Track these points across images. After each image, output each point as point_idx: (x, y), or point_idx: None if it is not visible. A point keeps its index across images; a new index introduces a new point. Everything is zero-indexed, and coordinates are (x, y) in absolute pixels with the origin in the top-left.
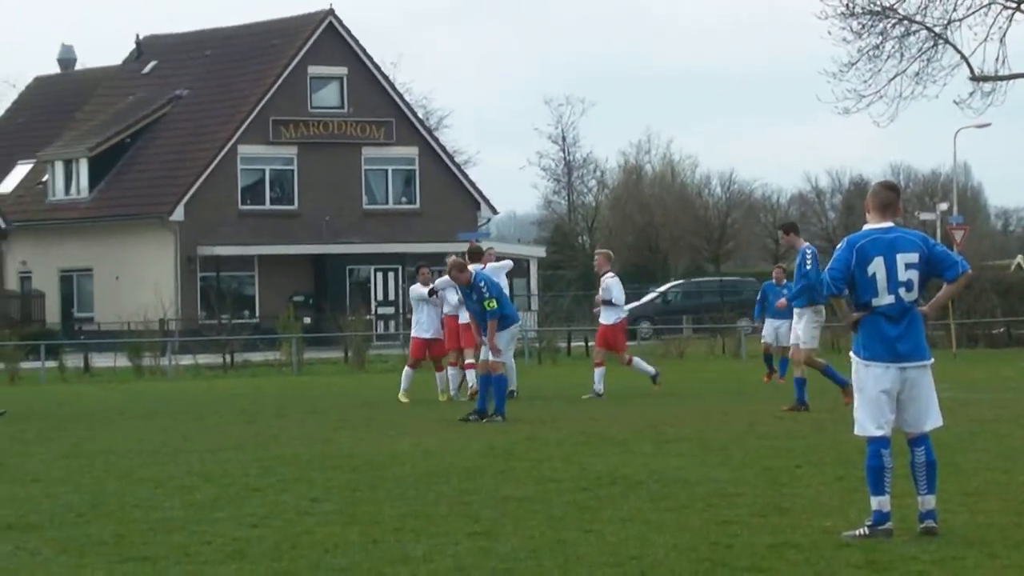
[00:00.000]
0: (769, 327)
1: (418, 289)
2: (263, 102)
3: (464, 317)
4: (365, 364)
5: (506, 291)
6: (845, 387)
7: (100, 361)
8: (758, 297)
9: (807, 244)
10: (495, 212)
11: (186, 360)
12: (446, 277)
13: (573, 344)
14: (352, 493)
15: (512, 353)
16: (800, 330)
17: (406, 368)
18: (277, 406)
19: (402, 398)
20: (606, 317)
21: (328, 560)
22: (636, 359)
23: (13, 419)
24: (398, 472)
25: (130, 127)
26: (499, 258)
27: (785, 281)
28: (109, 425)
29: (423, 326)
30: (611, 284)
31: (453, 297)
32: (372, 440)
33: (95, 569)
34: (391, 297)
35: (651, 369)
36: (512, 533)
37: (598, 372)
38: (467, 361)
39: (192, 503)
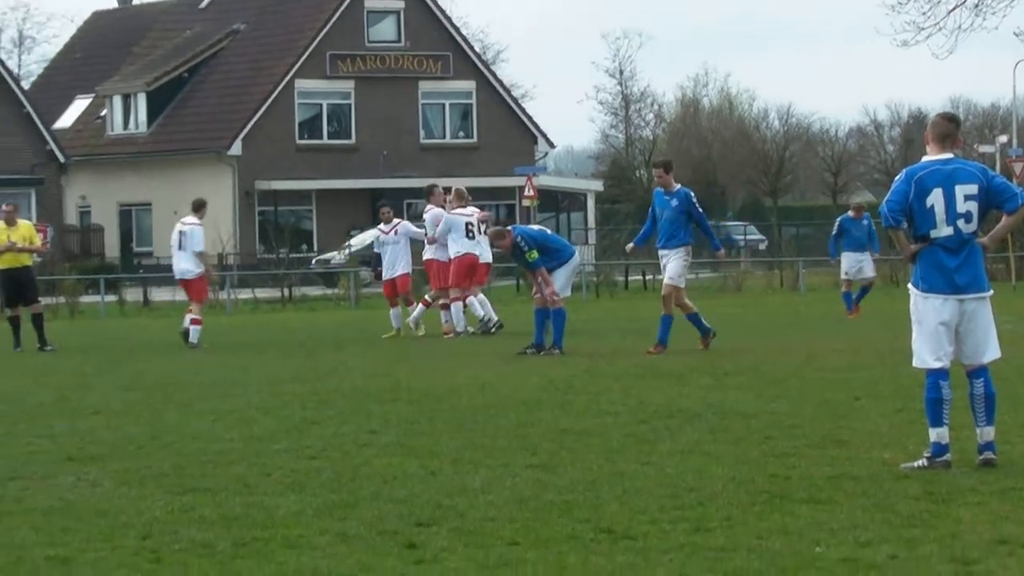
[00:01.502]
0: (850, 260)
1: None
2: (320, 36)
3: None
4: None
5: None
6: (706, 336)
7: (159, 295)
8: (834, 231)
9: (681, 186)
10: (552, 146)
11: (245, 294)
12: (442, 222)
13: (630, 278)
14: (410, 425)
15: (571, 287)
16: (671, 267)
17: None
18: (335, 340)
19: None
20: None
21: (387, 491)
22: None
23: (74, 352)
24: (456, 404)
25: (188, 61)
26: (460, 199)
27: (865, 214)
28: (168, 358)
29: (389, 268)
30: None
31: (459, 243)
32: (430, 373)
33: (155, 500)
34: None
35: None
36: (570, 465)
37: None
38: (442, 300)
39: (251, 435)
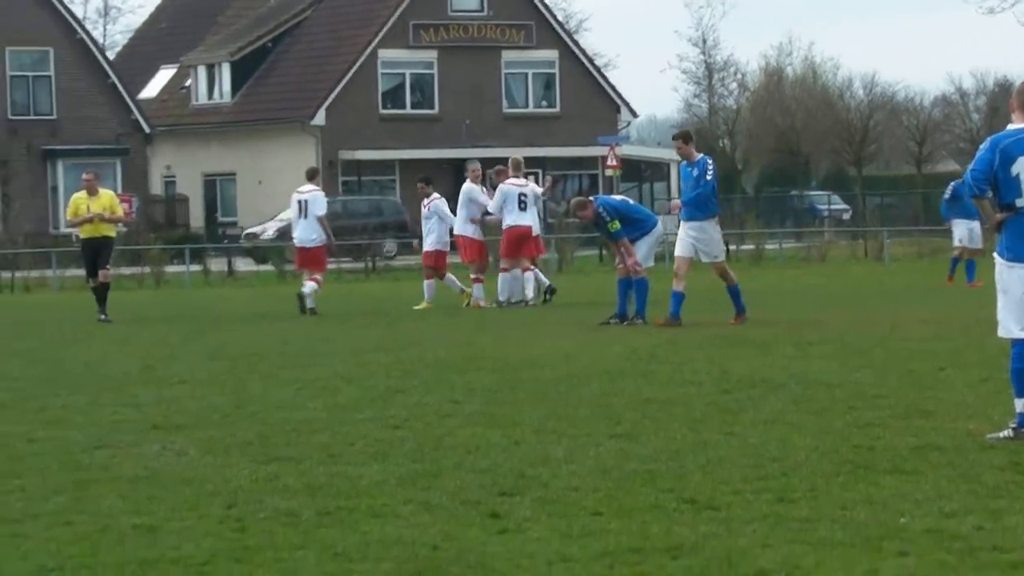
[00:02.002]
0: (962, 228)
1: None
2: (403, 6)
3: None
4: None
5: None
6: (740, 314)
7: (243, 265)
8: (946, 196)
9: (704, 155)
10: (635, 115)
11: (328, 265)
12: (497, 193)
13: None
14: (493, 395)
15: (653, 257)
16: (707, 244)
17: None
18: (419, 310)
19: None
20: None
21: (470, 461)
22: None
23: (158, 322)
24: (539, 375)
25: (271, 31)
26: (516, 169)
27: None
28: (253, 328)
29: (425, 241)
30: None
31: (511, 214)
32: (513, 343)
33: (240, 468)
34: None
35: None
36: (653, 435)
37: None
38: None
39: (335, 404)
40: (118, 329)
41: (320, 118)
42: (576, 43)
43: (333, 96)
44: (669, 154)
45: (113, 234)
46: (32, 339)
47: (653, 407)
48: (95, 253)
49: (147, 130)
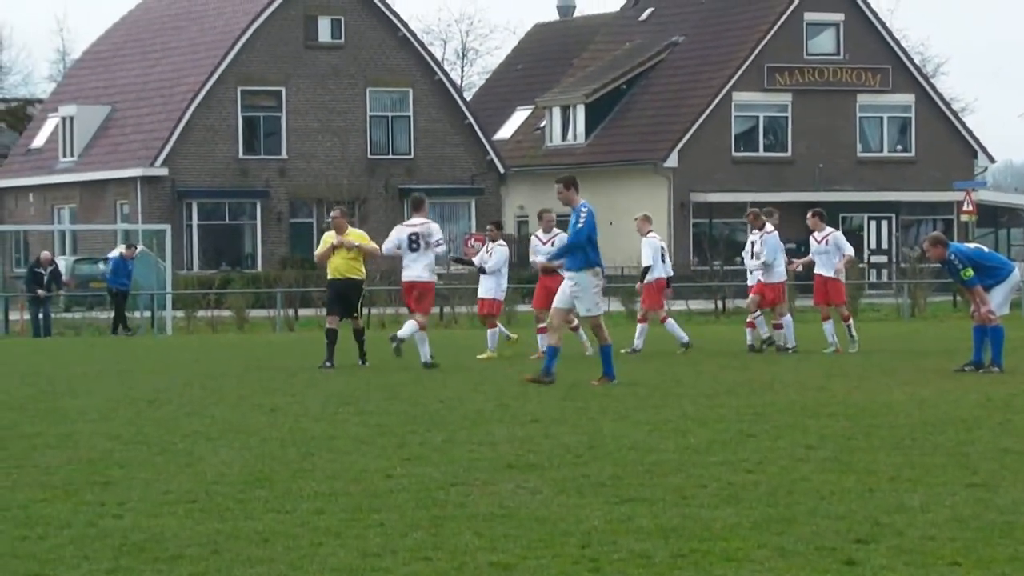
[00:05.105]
0: None
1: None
2: (758, 49)
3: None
4: (857, 312)
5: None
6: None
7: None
8: None
9: (584, 202)
10: (992, 160)
11: (678, 305)
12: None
13: None
14: (847, 441)
15: (1008, 305)
16: (580, 296)
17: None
18: (767, 354)
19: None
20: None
21: (824, 507)
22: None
23: (515, 359)
24: (893, 421)
25: (626, 73)
26: (647, 222)
27: None
28: (598, 369)
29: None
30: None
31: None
32: (866, 388)
33: (593, 509)
34: (884, 246)
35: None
36: (1012, 486)
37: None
38: (539, 325)
39: (687, 446)
40: (471, 368)
41: (673, 160)
42: (933, 87)
43: (686, 138)
44: None
45: (361, 277)
46: (400, 374)
47: (1011, 457)
48: (340, 296)
49: (502, 170)
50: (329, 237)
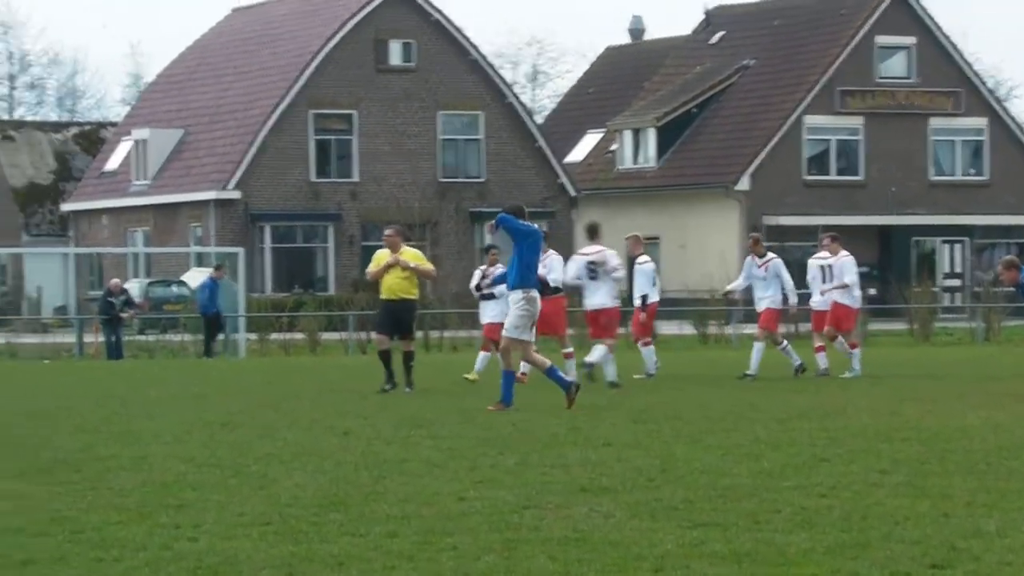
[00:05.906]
0: None
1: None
2: (830, 72)
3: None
4: (930, 336)
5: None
6: (568, 390)
7: (666, 328)
8: None
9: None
10: None
11: (749, 329)
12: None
13: None
14: (921, 465)
15: None
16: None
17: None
18: (839, 381)
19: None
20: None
21: (899, 532)
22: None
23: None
24: (967, 446)
25: (697, 97)
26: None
27: None
28: (676, 391)
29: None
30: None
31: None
32: (940, 412)
33: (666, 533)
34: (958, 269)
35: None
36: None
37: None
38: (566, 350)
39: (760, 471)
40: (542, 389)
41: (744, 183)
42: (1006, 110)
43: (758, 161)
44: None
45: (415, 297)
46: (471, 398)
47: None
48: (393, 316)
49: (573, 193)
50: (382, 255)
